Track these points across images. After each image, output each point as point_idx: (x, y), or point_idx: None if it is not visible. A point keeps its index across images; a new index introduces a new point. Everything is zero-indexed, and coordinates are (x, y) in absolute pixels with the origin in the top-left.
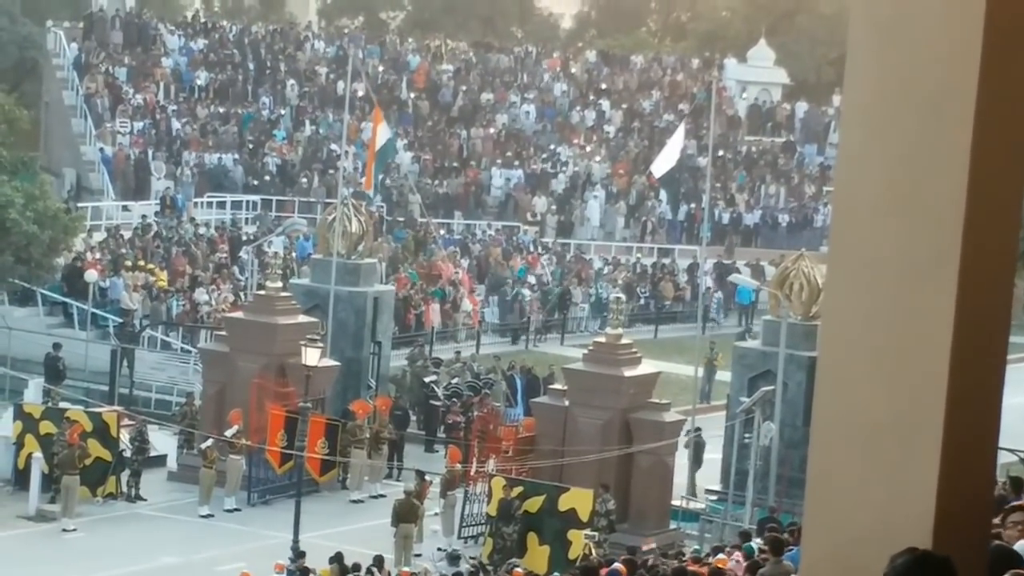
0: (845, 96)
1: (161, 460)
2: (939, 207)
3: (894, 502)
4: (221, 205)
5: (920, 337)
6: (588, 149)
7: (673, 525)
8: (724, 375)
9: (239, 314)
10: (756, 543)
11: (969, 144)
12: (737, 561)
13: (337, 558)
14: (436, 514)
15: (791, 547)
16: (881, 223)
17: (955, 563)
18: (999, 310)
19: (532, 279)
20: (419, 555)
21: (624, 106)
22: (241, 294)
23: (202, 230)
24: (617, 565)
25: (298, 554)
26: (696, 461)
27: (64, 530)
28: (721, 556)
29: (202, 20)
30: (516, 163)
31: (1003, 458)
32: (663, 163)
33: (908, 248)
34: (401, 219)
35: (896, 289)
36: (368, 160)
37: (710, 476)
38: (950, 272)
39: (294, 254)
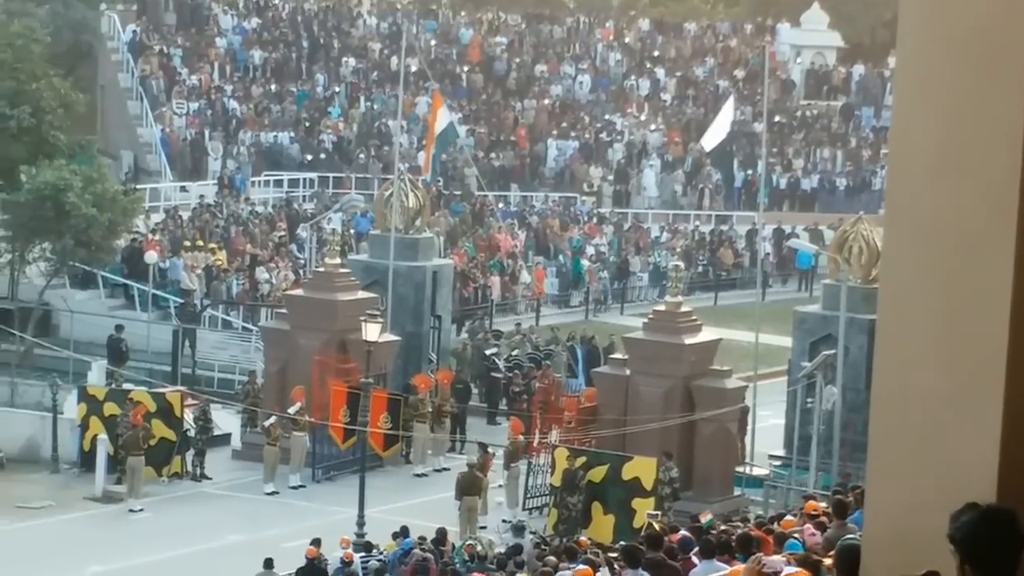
0: (898, 58)
1: (225, 439)
2: (995, 168)
3: (956, 466)
4: (278, 183)
5: (979, 300)
6: (643, 118)
7: (738, 491)
8: (785, 340)
9: (299, 292)
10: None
11: (1022, 103)
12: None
13: (267, 563)
14: (500, 486)
15: (854, 510)
16: (937, 186)
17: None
18: None
19: (591, 249)
20: (484, 527)
21: (678, 74)
22: (301, 272)
23: (260, 209)
24: (686, 532)
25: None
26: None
27: (131, 511)
28: (789, 518)
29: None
30: (571, 134)
31: None
32: (713, 136)
33: (964, 211)
34: (458, 193)
35: (953, 252)
36: (428, 144)
37: (773, 442)
38: (1008, 234)
39: (352, 230)
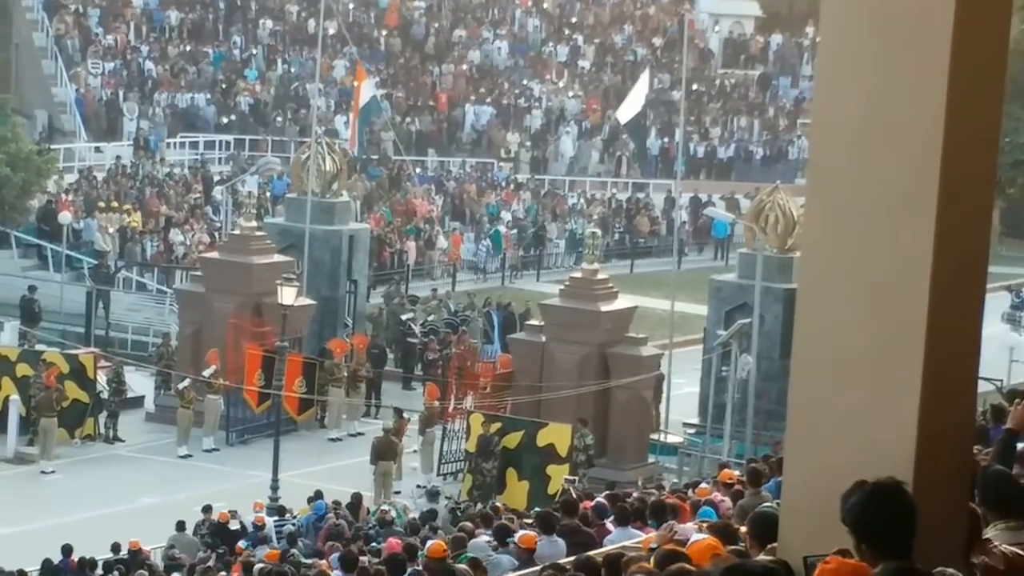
0: (822, 28)
1: (138, 401)
2: (916, 139)
3: (876, 431)
4: (194, 145)
5: (900, 268)
6: (561, 84)
7: (652, 459)
8: (701, 309)
9: (214, 254)
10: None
11: (946, 74)
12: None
13: (179, 525)
14: (415, 451)
15: (769, 479)
16: (859, 154)
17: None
18: (978, 239)
19: (507, 216)
20: (398, 492)
21: (597, 41)
22: (216, 234)
23: (175, 170)
24: (601, 500)
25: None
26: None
27: (43, 472)
28: (704, 485)
29: None
30: (489, 100)
31: (980, 388)
32: (628, 109)
33: (886, 181)
34: (375, 157)
35: (875, 220)
36: (352, 118)
37: (688, 410)
38: (928, 204)
39: (268, 193)
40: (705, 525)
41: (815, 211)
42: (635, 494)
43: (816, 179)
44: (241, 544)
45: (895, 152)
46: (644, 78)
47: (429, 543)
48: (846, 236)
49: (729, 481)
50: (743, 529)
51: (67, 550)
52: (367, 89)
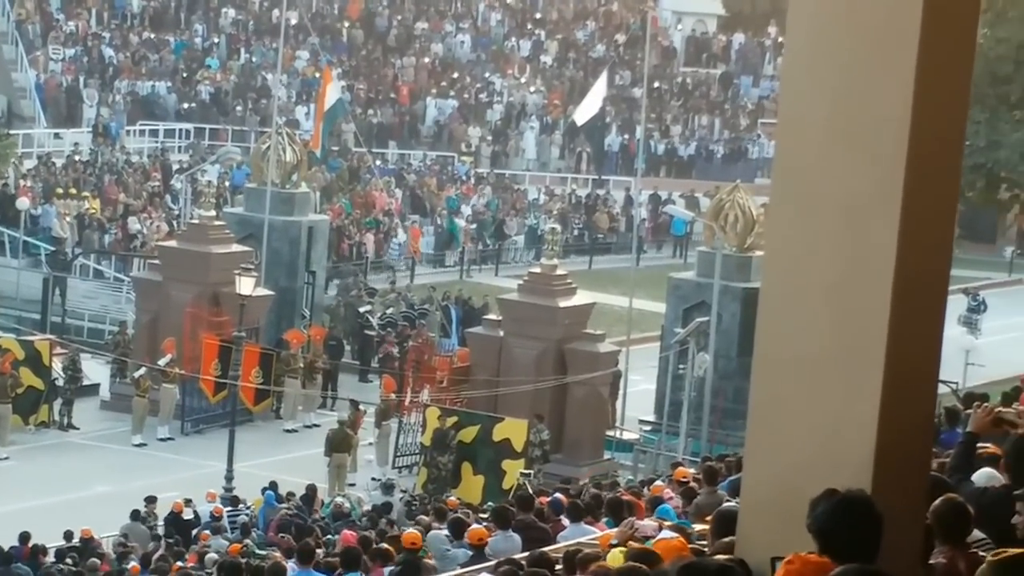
0: (788, 28)
1: (94, 389)
2: (882, 142)
3: (836, 431)
4: (154, 133)
5: (863, 269)
6: (523, 79)
7: (607, 455)
8: (659, 306)
9: (172, 243)
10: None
11: (913, 76)
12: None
13: (134, 514)
14: (370, 444)
15: (724, 478)
16: (824, 155)
17: (890, 494)
18: (940, 244)
19: (467, 210)
20: (353, 484)
21: (559, 36)
22: (174, 223)
23: (135, 158)
24: (559, 495)
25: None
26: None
27: None
28: (659, 483)
29: None
30: (451, 93)
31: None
32: (585, 111)
33: (851, 182)
34: (335, 148)
35: (839, 221)
36: (317, 120)
37: (644, 407)
38: (893, 206)
39: (228, 183)
40: (667, 524)
41: (779, 210)
42: (590, 489)
43: (781, 179)
44: (205, 532)
45: (860, 153)
46: (602, 79)
47: (406, 531)
48: (810, 236)
49: (683, 479)
50: (698, 527)
51: (24, 537)
52: (333, 91)
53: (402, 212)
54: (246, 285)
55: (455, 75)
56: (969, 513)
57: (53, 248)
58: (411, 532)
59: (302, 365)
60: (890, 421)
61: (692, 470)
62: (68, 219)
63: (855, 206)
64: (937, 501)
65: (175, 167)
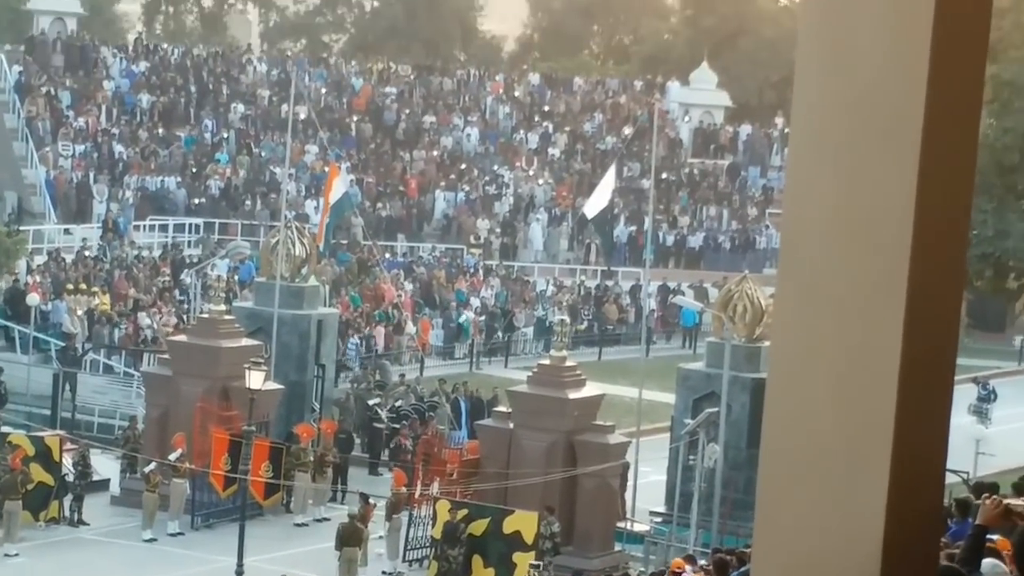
0: (793, 118)
1: (104, 484)
2: (886, 232)
3: (843, 526)
4: (163, 228)
5: (868, 361)
6: (531, 172)
7: (618, 547)
8: (668, 397)
9: (182, 337)
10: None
11: (916, 170)
12: None
13: None
14: (381, 537)
15: (735, 569)
16: (829, 244)
17: None
18: (946, 334)
19: (476, 302)
20: None
21: (567, 129)
22: (184, 317)
23: (144, 253)
24: None
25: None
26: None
27: (6, 555)
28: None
29: (144, 43)
30: (459, 186)
31: (947, 480)
32: (595, 204)
33: (856, 273)
34: (344, 242)
35: (844, 313)
36: (323, 214)
37: (654, 498)
38: (898, 296)
39: (237, 277)
40: None
41: (785, 300)
42: None
43: (787, 267)
44: None
45: (865, 243)
46: (611, 172)
47: None
48: (816, 326)
49: (678, 571)
50: None
51: None
52: (340, 185)
53: (415, 305)
54: (256, 379)
55: (463, 167)
56: None
57: (63, 344)
58: None
59: (312, 459)
60: (898, 512)
61: (703, 562)
62: (78, 314)
63: (860, 295)
64: None
65: (185, 262)
